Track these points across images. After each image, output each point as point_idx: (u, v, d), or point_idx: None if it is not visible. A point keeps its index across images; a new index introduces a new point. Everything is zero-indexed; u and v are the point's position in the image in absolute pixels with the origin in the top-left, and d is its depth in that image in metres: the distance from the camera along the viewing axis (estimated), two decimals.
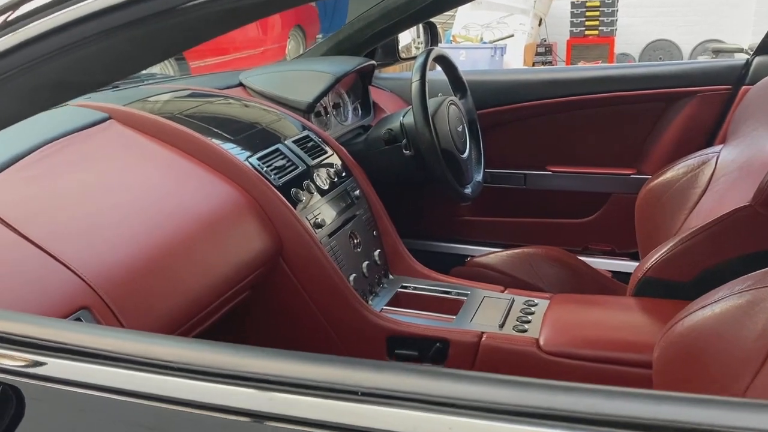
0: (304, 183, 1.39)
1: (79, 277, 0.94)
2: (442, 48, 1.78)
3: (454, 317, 1.38)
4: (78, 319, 0.91)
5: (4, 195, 1.04)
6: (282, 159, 1.40)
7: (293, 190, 1.35)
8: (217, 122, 1.43)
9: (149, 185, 1.19)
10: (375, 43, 2.09)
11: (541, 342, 1.24)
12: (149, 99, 1.50)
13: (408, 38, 2.59)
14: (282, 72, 1.81)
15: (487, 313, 1.39)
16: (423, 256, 1.67)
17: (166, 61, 6.14)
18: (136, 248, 1.04)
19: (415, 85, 1.57)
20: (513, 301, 1.43)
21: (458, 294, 1.47)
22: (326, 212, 1.41)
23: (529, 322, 1.34)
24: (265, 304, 1.38)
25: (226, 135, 1.38)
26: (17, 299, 0.87)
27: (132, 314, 0.97)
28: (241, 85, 1.77)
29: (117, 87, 1.73)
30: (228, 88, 1.73)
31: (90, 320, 0.92)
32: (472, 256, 1.93)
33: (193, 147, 1.31)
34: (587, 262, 1.74)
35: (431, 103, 1.64)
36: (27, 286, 0.90)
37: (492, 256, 1.75)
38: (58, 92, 0.66)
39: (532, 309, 1.39)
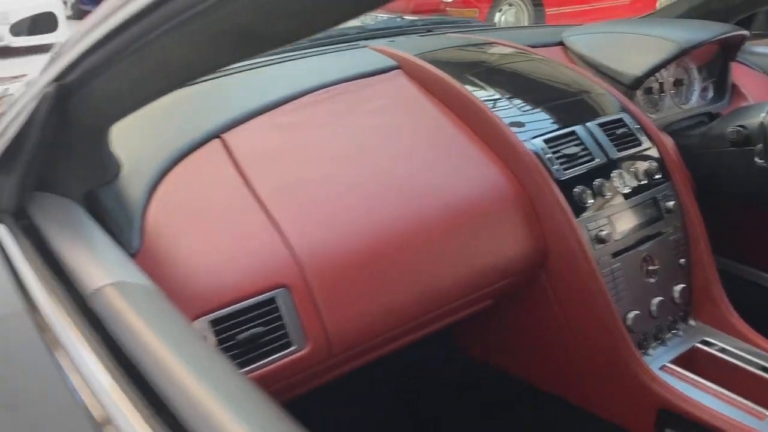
0: (596, 182, 1.08)
1: (290, 250, 0.83)
2: None
3: None
4: (272, 300, 0.80)
5: (253, 139, 0.98)
6: (576, 145, 1.11)
7: (578, 188, 1.06)
8: (510, 88, 1.19)
9: (408, 154, 1.03)
10: (759, 5, 1.58)
11: None
12: (444, 50, 1.32)
13: None
14: (615, 34, 1.46)
15: None
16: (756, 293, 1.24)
17: (522, 6, 5.96)
18: (365, 226, 0.90)
19: None
20: None
21: None
22: (618, 224, 1.09)
23: None
24: (508, 318, 1.16)
25: (514, 105, 1.14)
26: (224, 252, 0.81)
27: (338, 303, 0.84)
28: (561, 44, 1.48)
29: (430, 31, 1.61)
30: (545, 46, 1.46)
31: (286, 303, 0.81)
32: None
33: (472, 116, 1.11)
34: None
35: None
36: (237, 243, 0.83)
37: None
38: (242, 43, 0.53)
39: None
